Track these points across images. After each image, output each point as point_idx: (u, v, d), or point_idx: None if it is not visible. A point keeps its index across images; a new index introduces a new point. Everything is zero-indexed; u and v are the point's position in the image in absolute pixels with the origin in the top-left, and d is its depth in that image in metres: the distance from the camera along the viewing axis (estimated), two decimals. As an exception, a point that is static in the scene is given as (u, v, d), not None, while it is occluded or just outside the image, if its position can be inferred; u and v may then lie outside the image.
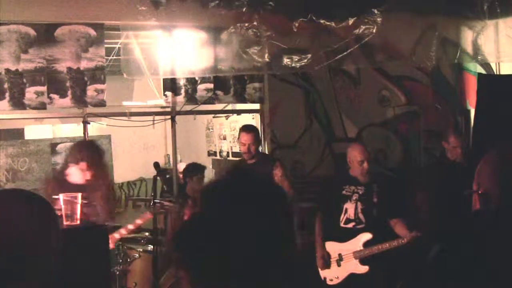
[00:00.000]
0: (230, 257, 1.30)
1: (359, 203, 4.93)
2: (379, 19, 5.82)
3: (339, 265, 4.95)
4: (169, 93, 6.07)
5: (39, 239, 1.51)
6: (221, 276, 1.31)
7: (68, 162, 4.46)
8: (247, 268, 1.31)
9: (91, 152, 4.50)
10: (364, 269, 4.86)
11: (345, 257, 4.92)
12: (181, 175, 6.80)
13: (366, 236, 4.87)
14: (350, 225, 4.93)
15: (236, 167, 1.54)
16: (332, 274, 4.99)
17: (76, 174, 4.37)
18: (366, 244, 4.86)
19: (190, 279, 1.34)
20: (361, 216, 4.91)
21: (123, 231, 4.77)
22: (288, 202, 1.46)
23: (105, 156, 4.69)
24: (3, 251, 1.44)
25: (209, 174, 7.05)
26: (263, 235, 1.33)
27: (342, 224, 4.96)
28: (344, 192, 4.99)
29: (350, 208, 4.94)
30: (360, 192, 4.96)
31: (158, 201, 4.76)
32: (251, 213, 1.34)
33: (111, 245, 4.46)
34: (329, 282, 4.99)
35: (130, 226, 4.69)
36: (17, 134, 7.50)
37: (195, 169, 6.40)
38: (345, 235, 4.93)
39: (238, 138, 5.44)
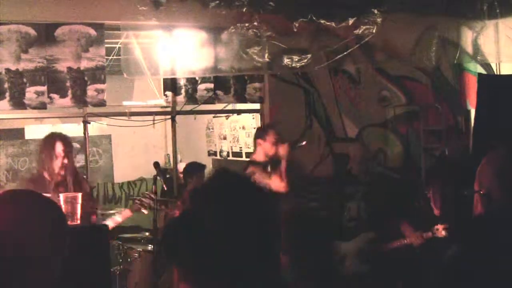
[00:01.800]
0: (216, 253, 1.32)
1: (362, 202, 4.95)
2: (379, 19, 5.83)
3: (342, 264, 4.97)
4: (169, 93, 6.07)
5: (49, 241, 1.51)
6: (208, 272, 1.33)
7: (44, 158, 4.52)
8: (232, 264, 1.33)
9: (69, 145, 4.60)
10: (366, 268, 4.88)
11: (348, 255, 4.94)
12: (181, 175, 6.81)
13: (369, 235, 4.89)
14: (353, 223, 4.96)
15: (222, 168, 1.57)
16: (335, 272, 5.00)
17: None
18: (369, 243, 4.88)
19: (180, 274, 1.36)
20: (363, 215, 4.94)
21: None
22: (272, 200, 1.49)
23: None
24: (14, 251, 1.45)
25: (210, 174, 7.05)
26: (248, 231, 1.35)
27: (345, 223, 4.99)
28: (346, 191, 5.02)
29: (352, 207, 4.96)
30: (363, 191, 4.99)
31: (137, 197, 4.79)
32: (236, 210, 1.36)
33: None
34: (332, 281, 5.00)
35: (109, 223, 4.64)
36: (17, 134, 7.50)
37: (194, 168, 6.41)
38: (348, 234, 4.95)
39: (261, 137, 5.26)
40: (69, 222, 2.87)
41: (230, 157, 7.91)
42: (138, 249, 5.01)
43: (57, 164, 4.46)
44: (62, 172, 4.47)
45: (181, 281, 1.36)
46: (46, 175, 4.48)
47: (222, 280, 1.32)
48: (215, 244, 1.32)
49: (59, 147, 4.48)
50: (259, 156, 5.11)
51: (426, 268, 4.55)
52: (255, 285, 1.35)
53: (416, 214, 5.05)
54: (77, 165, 5.32)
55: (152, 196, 4.73)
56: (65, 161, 4.47)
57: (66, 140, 4.58)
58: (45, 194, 2.47)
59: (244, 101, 6.40)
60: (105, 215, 4.78)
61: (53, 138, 4.57)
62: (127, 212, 4.81)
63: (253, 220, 1.37)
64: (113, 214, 4.85)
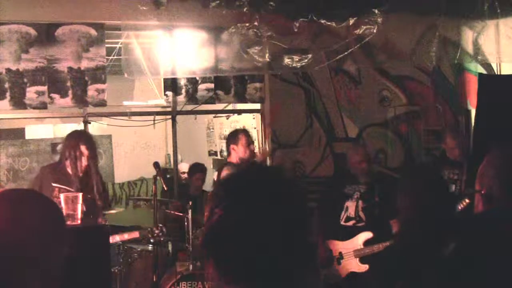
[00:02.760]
0: (257, 256, 1.32)
1: (360, 202, 4.96)
2: (379, 19, 5.83)
3: (339, 263, 4.96)
4: (169, 93, 6.07)
5: (48, 240, 1.51)
6: (249, 274, 1.33)
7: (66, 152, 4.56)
8: (274, 266, 1.32)
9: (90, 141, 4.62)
10: (364, 268, 4.87)
11: (346, 255, 4.93)
12: (183, 175, 6.81)
13: (367, 234, 4.89)
14: (351, 223, 4.96)
15: (254, 162, 1.56)
16: (333, 273, 5.00)
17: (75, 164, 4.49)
18: (367, 243, 4.88)
19: (220, 276, 1.35)
20: (361, 214, 4.94)
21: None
22: (305, 196, 1.49)
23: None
24: (13, 250, 1.44)
25: (210, 174, 7.05)
26: (290, 231, 1.35)
27: (342, 222, 4.98)
28: (345, 190, 5.03)
29: (351, 206, 4.97)
30: (362, 191, 4.99)
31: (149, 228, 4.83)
32: (279, 211, 1.35)
33: None
34: (330, 281, 5.00)
35: (117, 238, 4.73)
36: (18, 133, 7.50)
37: (195, 169, 6.42)
38: (346, 233, 4.95)
39: (233, 143, 5.31)
40: (69, 222, 2.87)
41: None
42: (138, 249, 5.01)
43: (78, 164, 4.51)
44: (82, 172, 4.53)
45: (224, 284, 1.35)
46: (68, 169, 4.56)
47: (268, 280, 1.32)
48: (258, 245, 1.32)
49: (83, 150, 4.54)
50: (234, 160, 5.21)
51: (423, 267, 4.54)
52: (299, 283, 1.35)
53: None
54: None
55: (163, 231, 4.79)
56: (85, 163, 4.53)
57: (90, 143, 4.61)
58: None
59: (245, 101, 6.40)
60: (106, 215, 4.77)
61: (77, 139, 4.60)
62: (135, 234, 4.88)
63: (295, 219, 1.37)
64: (121, 230, 4.94)
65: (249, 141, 5.24)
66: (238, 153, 5.18)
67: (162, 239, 4.78)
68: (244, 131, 5.48)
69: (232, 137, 5.32)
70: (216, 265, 1.36)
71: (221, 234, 1.36)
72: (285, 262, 1.34)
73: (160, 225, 4.79)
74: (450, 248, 2.04)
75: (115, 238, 4.67)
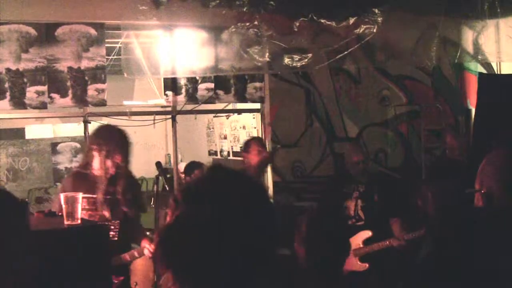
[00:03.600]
0: (215, 257, 1.30)
1: (359, 201, 4.97)
2: (379, 19, 5.82)
3: None
4: (169, 93, 6.07)
5: (12, 241, 1.49)
6: (206, 277, 1.31)
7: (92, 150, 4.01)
8: (232, 267, 1.31)
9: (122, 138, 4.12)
10: (363, 266, 4.88)
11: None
12: (182, 175, 6.81)
13: (366, 233, 4.90)
14: (350, 222, 4.97)
15: (214, 164, 1.54)
16: None
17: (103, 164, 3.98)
18: (366, 242, 4.88)
19: (176, 280, 1.34)
20: (360, 213, 4.95)
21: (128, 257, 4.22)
22: (268, 196, 1.46)
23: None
24: None
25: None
26: (247, 231, 1.33)
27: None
28: (344, 190, 5.04)
29: (350, 206, 4.98)
30: (361, 190, 5.01)
31: None
32: (233, 211, 1.33)
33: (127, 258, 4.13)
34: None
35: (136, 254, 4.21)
36: (18, 133, 7.50)
37: (192, 167, 6.41)
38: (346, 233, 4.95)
39: (245, 151, 5.38)
40: (69, 222, 2.87)
41: (231, 157, 7.91)
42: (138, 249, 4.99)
43: (108, 162, 3.99)
44: (113, 171, 4.02)
45: (173, 284, 1.34)
46: (94, 171, 4.00)
47: (221, 282, 1.31)
48: (213, 245, 1.30)
49: (113, 148, 4.02)
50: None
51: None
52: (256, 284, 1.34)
53: (413, 213, 5.08)
54: (77, 164, 5.06)
55: None
56: (117, 163, 4.03)
57: (123, 138, 4.13)
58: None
59: (245, 100, 6.40)
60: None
61: (106, 136, 4.04)
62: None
63: (252, 216, 1.35)
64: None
65: (261, 149, 5.34)
66: (250, 160, 5.27)
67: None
68: (256, 140, 5.61)
69: (245, 146, 5.47)
70: (166, 262, 1.35)
71: (175, 234, 1.34)
72: (238, 268, 1.31)
73: None
74: (424, 252, 2.05)
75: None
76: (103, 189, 3.96)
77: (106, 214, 4.00)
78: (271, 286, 1.37)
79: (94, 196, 3.94)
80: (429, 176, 5.79)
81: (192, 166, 6.45)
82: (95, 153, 3.99)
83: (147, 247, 4.17)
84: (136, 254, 4.19)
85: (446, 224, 2.30)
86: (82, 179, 3.94)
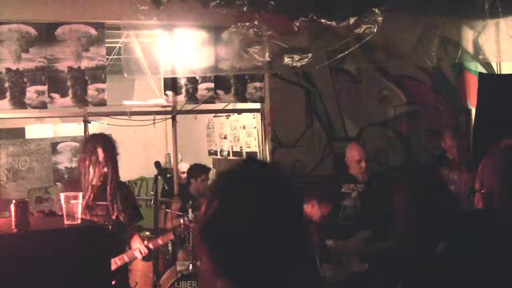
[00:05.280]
0: (260, 248, 1.31)
1: (358, 201, 4.96)
2: (380, 19, 5.82)
3: (341, 264, 4.96)
4: (169, 93, 6.07)
5: None
6: (246, 270, 1.32)
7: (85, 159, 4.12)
8: (271, 262, 1.32)
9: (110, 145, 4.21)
10: (364, 267, 4.88)
11: (346, 255, 4.94)
12: (183, 175, 6.80)
13: (366, 233, 4.90)
14: (349, 222, 4.97)
15: (248, 156, 1.56)
16: (333, 273, 5.00)
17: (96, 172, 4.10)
18: (366, 242, 4.88)
19: (217, 271, 1.35)
20: (360, 213, 4.95)
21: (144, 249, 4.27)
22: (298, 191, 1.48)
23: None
24: None
25: (211, 174, 7.04)
26: (286, 221, 1.35)
27: (341, 221, 4.99)
28: (343, 190, 5.03)
29: (349, 206, 4.97)
30: (360, 190, 5.00)
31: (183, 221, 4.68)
32: (273, 201, 1.34)
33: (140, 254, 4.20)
34: (331, 282, 5.00)
35: (151, 246, 4.26)
36: (18, 133, 7.49)
37: (199, 170, 6.40)
38: (345, 232, 4.95)
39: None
40: (69, 222, 2.87)
41: (231, 157, 7.91)
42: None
43: (96, 171, 4.08)
44: (101, 181, 4.12)
45: (218, 277, 1.34)
46: (86, 179, 4.10)
47: (262, 276, 1.32)
48: (257, 236, 1.31)
49: (100, 154, 4.08)
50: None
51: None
52: (295, 279, 1.35)
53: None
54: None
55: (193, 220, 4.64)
56: (105, 169, 4.09)
57: (108, 146, 4.15)
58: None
59: (245, 100, 6.40)
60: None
61: (94, 142, 4.15)
62: (169, 236, 4.57)
63: (288, 211, 1.36)
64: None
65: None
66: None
67: (193, 225, 4.60)
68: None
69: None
70: (211, 256, 1.35)
71: (218, 226, 1.35)
72: (281, 258, 1.33)
73: (184, 214, 4.68)
74: (440, 248, 2.04)
75: (149, 246, 4.25)
76: (94, 196, 4.09)
77: (96, 220, 4.05)
78: (305, 276, 1.39)
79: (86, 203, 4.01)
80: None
81: (198, 169, 6.44)
82: (87, 162, 4.11)
83: (139, 248, 4.19)
84: (126, 258, 4.20)
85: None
86: (75, 187, 3.99)
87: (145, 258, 4.38)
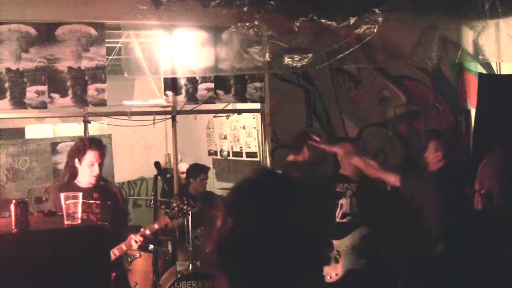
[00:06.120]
0: (274, 262, 1.32)
1: (353, 199, 5.00)
2: (380, 19, 5.82)
3: (337, 262, 4.97)
4: (169, 93, 6.07)
5: None
6: (261, 283, 1.33)
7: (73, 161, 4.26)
8: (289, 274, 1.33)
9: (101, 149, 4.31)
10: (362, 263, 4.90)
11: (343, 253, 4.95)
12: (183, 175, 6.80)
13: (363, 230, 4.92)
14: (346, 219, 5.00)
15: (263, 168, 1.56)
16: (330, 271, 5.01)
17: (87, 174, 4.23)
18: (363, 239, 4.91)
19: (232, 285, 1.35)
20: (356, 210, 4.98)
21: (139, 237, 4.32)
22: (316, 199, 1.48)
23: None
24: None
25: (210, 174, 7.05)
26: (305, 237, 1.36)
27: (338, 219, 5.01)
28: (338, 189, 5.06)
29: (345, 204, 5.01)
30: (354, 189, 5.04)
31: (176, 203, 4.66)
32: (291, 221, 1.35)
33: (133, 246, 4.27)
34: (328, 280, 5.00)
35: (147, 231, 4.34)
36: (18, 133, 7.50)
37: (198, 170, 6.40)
38: (342, 230, 4.98)
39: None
40: (69, 222, 2.87)
41: (231, 157, 7.91)
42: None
43: (87, 173, 4.22)
44: (92, 182, 4.26)
45: None
46: (78, 182, 4.27)
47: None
48: (273, 252, 1.32)
49: (91, 157, 4.21)
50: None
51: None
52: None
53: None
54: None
55: (192, 204, 4.63)
56: (96, 171, 4.23)
57: (99, 149, 4.26)
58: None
59: (245, 100, 6.40)
60: None
61: (85, 145, 4.25)
62: (165, 219, 4.56)
63: (305, 221, 1.37)
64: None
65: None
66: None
67: (193, 208, 4.63)
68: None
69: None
70: (226, 271, 1.35)
71: (234, 242, 1.35)
72: (295, 272, 1.34)
73: (184, 198, 4.68)
74: (440, 248, 2.05)
75: (145, 232, 4.34)
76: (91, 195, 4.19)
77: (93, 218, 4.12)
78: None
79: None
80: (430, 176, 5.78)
81: (197, 168, 6.44)
82: (77, 165, 4.23)
83: (134, 238, 4.24)
84: (124, 247, 4.26)
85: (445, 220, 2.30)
86: (68, 190, 3.96)
87: (143, 248, 4.41)
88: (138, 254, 4.91)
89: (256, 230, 1.34)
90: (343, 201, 5.01)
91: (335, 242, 4.99)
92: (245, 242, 1.34)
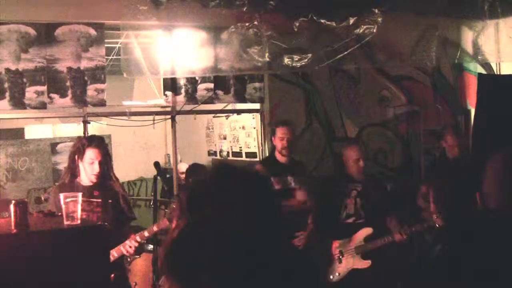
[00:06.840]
0: (223, 267, 1.27)
1: (358, 199, 5.01)
2: (379, 19, 5.82)
3: (340, 261, 4.98)
4: (169, 93, 6.07)
5: None
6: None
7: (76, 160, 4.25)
8: (245, 278, 1.28)
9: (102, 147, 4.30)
10: (366, 263, 4.91)
11: (346, 252, 4.97)
12: (183, 176, 6.80)
13: (367, 230, 4.94)
14: (351, 220, 5.02)
15: (219, 167, 1.48)
16: (333, 271, 5.02)
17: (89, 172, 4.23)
18: (367, 239, 4.93)
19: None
20: (360, 211, 5.00)
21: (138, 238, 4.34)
22: (276, 196, 1.43)
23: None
24: None
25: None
26: (261, 238, 1.31)
27: (342, 220, 5.03)
28: (342, 189, 5.07)
29: (349, 204, 5.02)
30: (358, 189, 5.05)
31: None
32: (239, 218, 1.29)
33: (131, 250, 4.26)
34: (330, 279, 5.01)
35: (146, 234, 4.32)
36: (17, 133, 7.50)
37: (198, 170, 6.40)
38: (346, 230, 4.99)
39: (274, 134, 5.34)
40: (69, 222, 2.86)
41: (230, 157, 7.91)
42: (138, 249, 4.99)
43: (88, 171, 4.22)
44: (94, 180, 4.25)
45: None
46: (80, 181, 4.27)
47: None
48: (221, 257, 1.27)
49: (91, 155, 4.20)
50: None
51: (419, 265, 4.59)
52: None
53: (410, 211, 5.13)
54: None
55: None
56: (96, 169, 4.20)
57: (99, 147, 4.23)
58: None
59: (244, 101, 6.40)
60: None
61: (84, 144, 4.24)
62: (164, 222, 4.46)
63: (259, 219, 1.33)
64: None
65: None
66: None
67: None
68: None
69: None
70: (170, 275, 1.32)
71: (181, 248, 1.31)
72: (258, 274, 1.28)
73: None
74: (437, 249, 2.05)
75: (144, 235, 4.31)
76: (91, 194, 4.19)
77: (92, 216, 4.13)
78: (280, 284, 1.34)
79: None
80: (430, 175, 5.80)
81: (195, 169, 6.44)
82: (79, 164, 4.23)
83: (128, 243, 4.25)
84: (122, 250, 4.27)
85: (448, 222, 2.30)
86: (69, 189, 3.98)
87: (137, 250, 4.41)
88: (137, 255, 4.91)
89: (201, 232, 1.28)
90: (347, 202, 5.03)
91: (339, 242, 5.00)
92: (187, 244, 1.29)
